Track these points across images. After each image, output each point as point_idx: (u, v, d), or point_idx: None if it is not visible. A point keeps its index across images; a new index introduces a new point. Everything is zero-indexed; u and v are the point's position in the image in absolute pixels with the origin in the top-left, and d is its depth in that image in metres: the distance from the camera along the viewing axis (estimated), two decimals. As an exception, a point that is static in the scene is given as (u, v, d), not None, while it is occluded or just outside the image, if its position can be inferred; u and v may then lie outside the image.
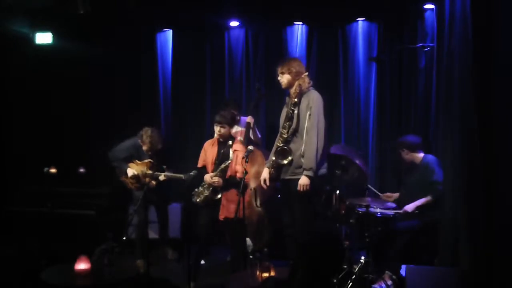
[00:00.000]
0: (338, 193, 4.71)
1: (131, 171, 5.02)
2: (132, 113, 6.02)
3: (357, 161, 4.86)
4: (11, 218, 5.58)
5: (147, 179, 4.80)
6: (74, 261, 3.60)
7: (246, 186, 4.41)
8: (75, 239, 5.03)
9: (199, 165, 4.65)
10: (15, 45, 5.95)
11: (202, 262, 4.71)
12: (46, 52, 6.00)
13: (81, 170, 5.60)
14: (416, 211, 4.49)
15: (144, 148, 5.08)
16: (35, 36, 5.97)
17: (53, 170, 4.81)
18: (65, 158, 5.58)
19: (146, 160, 5.05)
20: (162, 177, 4.90)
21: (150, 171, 4.92)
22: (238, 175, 4.37)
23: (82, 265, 3.57)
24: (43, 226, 4.95)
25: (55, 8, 5.50)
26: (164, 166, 5.01)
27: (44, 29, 5.95)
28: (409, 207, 4.50)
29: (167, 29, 6.29)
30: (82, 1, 4.95)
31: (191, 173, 4.25)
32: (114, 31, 5.96)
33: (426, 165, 4.59)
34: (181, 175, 4.70)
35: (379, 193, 4.91)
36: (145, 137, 5.06)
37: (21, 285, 4.27)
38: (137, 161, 5.10)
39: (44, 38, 5.96)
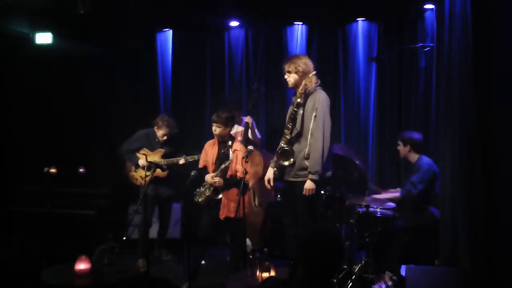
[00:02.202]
0: (338, 193, 4.72)
1: (142, 161, 5.06)
2: (132, 113, 6.02)
3: (357, 161, 4.86)
4: (11, 218, 5.57)
5: (153, 169, 4.80)
6: (74, 261, 3.60)
7: (246, 186, 4.42)
8: (75, 239, 5.03)
9: (200, 165, 4.65)
10: (15, 45, 5.94)
11: (203, 262, 4.71)
12: (46, 52, 6.00)
13: (81, 170, 5.60)
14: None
15: (161, 133, 5.10)
16: (35, 36, 5.96)
17: (53, 170, 4.80)
18: (65, 158, 5.58)
19: (158, 149, 5.12)
20: (182, 160, 4.98)
21: (162, 160, 5.00)
22: (239, 174, 4.37)
23: (82, 265, 3.57)
24: (43, 226, 4.95)
25: (55, 8, 5.49)
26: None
27: (44, 29, 5.95)
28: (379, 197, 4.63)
29: (167, 29, 6.29)
30: (82, 1, 4.95)
31: (192, 173, 4.26)
32: (114, 31, 5.96)
33: (419, 166, 4.63)
34: (195, 156, 4.87)
35: (381, 191, 4.93)
36: (161, 122, 5.09)
37: (21, 285, 4.26)
38: (147, 150, 5.14)
39: (44, 38, 5.95)
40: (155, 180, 4.88)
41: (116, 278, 3.60)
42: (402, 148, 4.74)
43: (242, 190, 3.98)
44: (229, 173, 4.46)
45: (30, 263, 4.67)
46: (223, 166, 4.42)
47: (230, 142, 4.52)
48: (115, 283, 3.57)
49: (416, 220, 4.51)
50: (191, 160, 4.96)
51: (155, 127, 5.15)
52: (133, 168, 5.19)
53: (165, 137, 5.13)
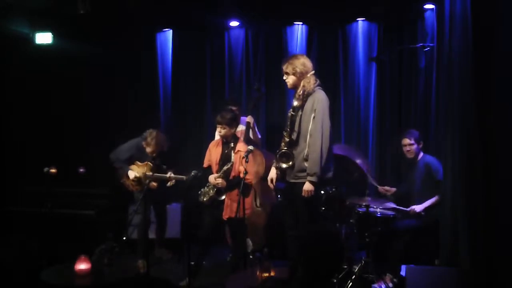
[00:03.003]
0: (338, 193, 4.71)
1: (132, 173, 5.03)
2: (132, 113, 6.02)
3: (357, 161, 4.86)
4: (11, 218, 5.57)
5: (148, 181, 4.68)
6: (74, 261, 3.60)
7: (247, 185, 4.42)
8: (75, 239, 5.03)
9: (205, 165, 4.66)
10: (15, 45, 5.94)
11: (203, 262, 4.72)
12: (46, 52, 6.00)
13: (81, 170, 5.60)
14: (423, 213, 4.49)
15: (148, 150, 4.99)
16: (35, 36, 5.96)
17: (53, 170, 4.80)
18: (65, 158, 5.58)
19: (147, 162, 5.04)
20: (170, 183, 4.85)
21: (151, 173, 4.88)
22: (242, 175, 4.36)
23: (82, 265, 3.57)
24: (43, 226, 4.95)
25: (55, 8, 5.50)
26: (164, 166, 5.00)
27: (44, 29, 5.95)
28: (419, 208, 4.51)
29: (167, 29, 6.29)
30: (82, 1, 4.95)
31: (192, 173, 4.25)
32: (114, 31, 5.96)
33: (428, 165, 4.59)
34: (183, 177, 4.70)
35: (377, 185, 4.92)
36: (150, 139, 4.95)
37: (21, 285, 4.26)
38: (138, 162, 5.10)
39: (44, 38, 5.95)
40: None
41: (116, 278, 3.60)
42: (415, 147, 4.69)
43: (242, 190, 3.98)
44: (232, 173, 4.47)
45: (30, 263, 4.66)
46: (225, 167, 4.41)
47: (232, 144, 4.52)
48: (115, 283, 3.57)
49: (430, 218, 4.48)
50: (177, 178, 4.80)
51: (144, 142, 5.02)
52: (123, 176, 5.16)
53: (153, 154, 5.02)
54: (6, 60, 6.01)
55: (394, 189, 4.90)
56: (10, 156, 6.07)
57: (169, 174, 4.85)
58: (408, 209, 4.55)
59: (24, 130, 6.07)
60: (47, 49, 5.99)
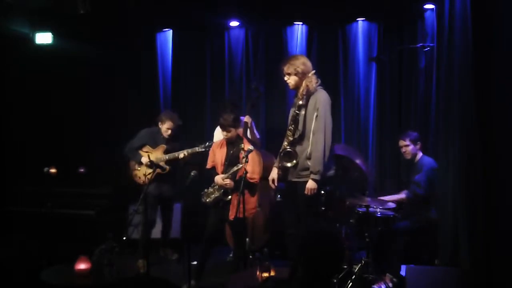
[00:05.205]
0: (338, 193, 4.71)
1: (145, 158, 5.08)
2: (132, 113, 6.02)
3: (357, 161, 4.86)
4: (11, 218, 5.57)
5: (161, 163, 4.92)
6: (74, 261, 3.60)
7: (253, 185, 4.42)
8: (75, 239, 5.03)
9: (208, 166, 4.65)
10: (15, 45, 5.94)
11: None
12: (46, 52, 6.00)
13: (81, 170, 5.60)
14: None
15: (165, 127, 5.13)
16: (35, 36, 5.96)
17: (53, 170, 4.80)
18: (65, 158, 5.58)
19: (161, 145, 5.15)
20: (181, 155, 4.99)
21: (164, 156, 5.02)
22: (249, 175, 4.34)
23: (82, 265, 3.57)
24: (43, 226, 4.95)
25: (55, 8, 5.49)
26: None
27: (44, 29, 5.95)
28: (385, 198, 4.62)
29: (167, 29, 6.29)
30: (82, 1, 4.95)
31: (192, 174, 4.25)
32: (114, 31, 5.96)
33: (421, 167, 4.61)
34: (196, 148, 4.90)
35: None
36: (164, 117, 5.14)
37: (21, 285, 4.26)
38: (149, 147, 5.16)
39: (44, 38, 5.95)
40: (158, 178, 4.89)
41: (116, 278, 3.60)
42: (411, 148, 4.71)
43: (247, 190, 3.99)
44: (239, 174, 4.46)
45: (30, 263, 4.66)
46: (235, 168, 4.37)
47: (242, 145, 4.50)
48: (115, 283, 3.57)
49: (421, 220, 4.50)
50: (191, 152, 4.97)
51: (160, 123, 5.18)
52: (136, 166, 5.19)
53: (169, 131, 5.15)
54: (6, 60, 6.00)
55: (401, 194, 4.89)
56: (10, 156, 6.07)
57: (183, 153, 5.01)
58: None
59: (24, 130, 6.07)
60: (47, 49, 5.99)
